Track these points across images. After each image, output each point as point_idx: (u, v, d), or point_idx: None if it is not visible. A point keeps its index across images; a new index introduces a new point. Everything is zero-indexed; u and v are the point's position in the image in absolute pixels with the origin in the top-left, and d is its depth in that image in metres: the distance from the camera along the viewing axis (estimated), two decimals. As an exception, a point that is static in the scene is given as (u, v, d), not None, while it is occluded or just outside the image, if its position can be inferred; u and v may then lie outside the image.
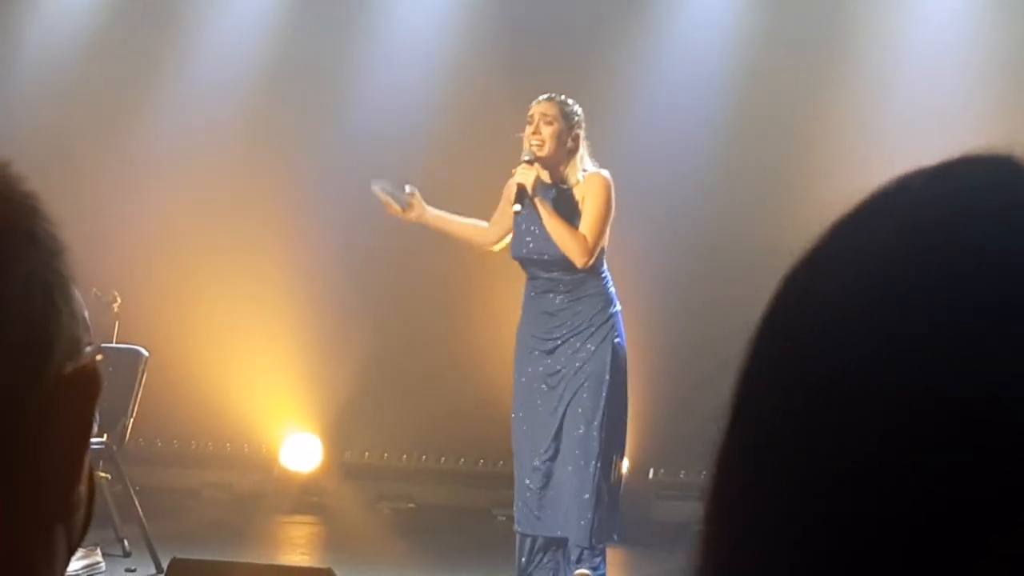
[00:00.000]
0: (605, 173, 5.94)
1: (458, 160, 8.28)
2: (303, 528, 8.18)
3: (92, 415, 0.76)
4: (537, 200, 5.85)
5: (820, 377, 0.58)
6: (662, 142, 8.30)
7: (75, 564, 6.23)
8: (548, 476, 5.82)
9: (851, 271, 0.60)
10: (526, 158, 5.90)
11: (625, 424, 5.96)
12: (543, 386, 5.90)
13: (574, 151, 5.93)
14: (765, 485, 0.59)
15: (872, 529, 0.56)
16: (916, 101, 7.98)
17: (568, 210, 5.90)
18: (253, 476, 8.67)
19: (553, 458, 5.83)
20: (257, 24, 8.77)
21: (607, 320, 5.92)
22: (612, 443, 5.85)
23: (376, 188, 6.17)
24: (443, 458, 8.63)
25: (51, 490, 0.75)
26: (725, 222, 8.23)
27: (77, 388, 0.75)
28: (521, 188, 5.85)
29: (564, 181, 5.95)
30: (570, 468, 5.77)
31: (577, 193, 5.94)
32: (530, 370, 5.93)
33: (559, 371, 5.89)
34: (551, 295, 5.96)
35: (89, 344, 0.78)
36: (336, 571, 4.51)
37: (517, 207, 5.85)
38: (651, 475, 8.47)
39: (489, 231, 6.17)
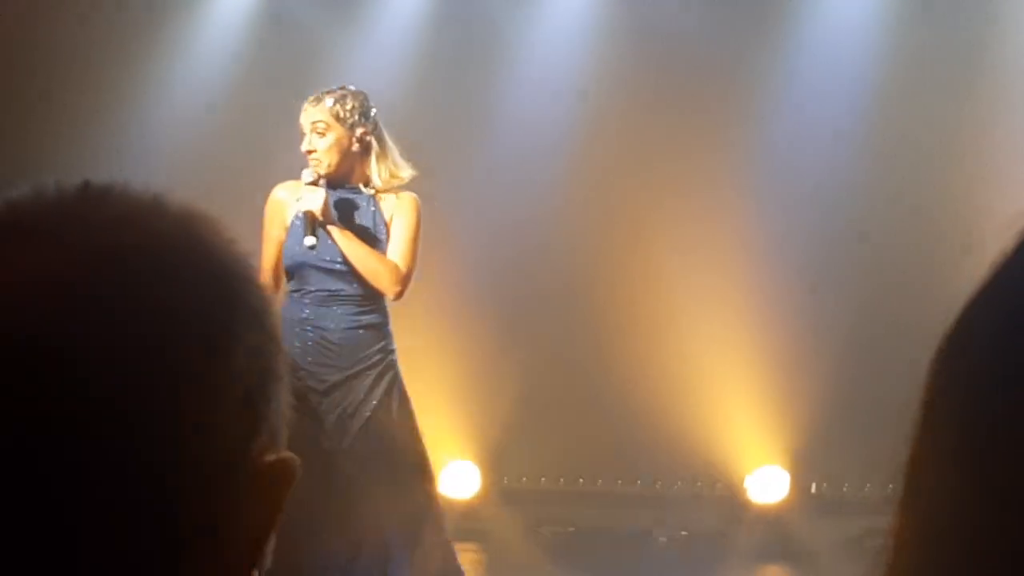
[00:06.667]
0: (414, 196, 5.21)
1: (599, 168, 8.26)
2: (465, 555, 8.17)
3: (282, 507, 0.77)
4: (332, 228, 4.98)
5: None
6: (798, 148, 8.17)
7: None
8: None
9: None
10: (307, 180, 5.02)
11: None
12: (319, 436, 4.89)
13: (366, 152, 5.09)
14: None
15: None
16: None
17: (371, 222, 5.13)
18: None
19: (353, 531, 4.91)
20: (400, 43, 8.72)
21: (391, 356, 5.11)
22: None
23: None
24: (600, 480, 8.59)
25: (232, 572, 0.76)
26: (869, 225, 8.06)
27: (273, 479, 0.76)
28: (310, 217, 4.93)
29: (367, 184, 5.13)
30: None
31: (384, 207, 5.16)
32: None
33: (340, 418, 4.96)
34: (331, 313, 5.03)
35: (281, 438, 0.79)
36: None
37: (311, 240, 4.91)
38: (813, 490, 8.33)
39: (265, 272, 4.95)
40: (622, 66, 8.34)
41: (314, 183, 5.02)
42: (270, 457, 0.76)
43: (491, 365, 8.45)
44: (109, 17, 8.24)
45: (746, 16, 8.34)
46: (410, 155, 8.30)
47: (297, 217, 5.03)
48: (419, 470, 5.16)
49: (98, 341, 0.71)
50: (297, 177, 5.20)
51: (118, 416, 0.71)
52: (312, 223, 4.93)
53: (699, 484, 8.24)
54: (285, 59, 8.28)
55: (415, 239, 5.15)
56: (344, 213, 5.10)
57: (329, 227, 5.00)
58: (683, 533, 8.02)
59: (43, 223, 0.75)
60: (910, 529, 0.57)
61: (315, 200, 4.96)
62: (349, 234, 5.02)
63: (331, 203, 5.04)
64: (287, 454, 0.78)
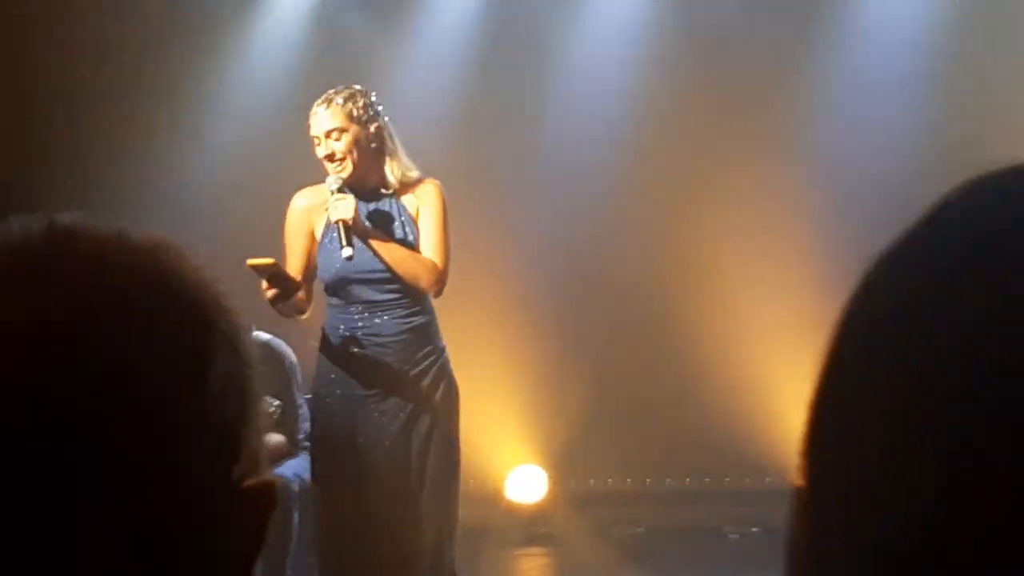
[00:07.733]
0: (435, 182, 5.07)
1: (651, 164, 8.24)
2: (535, 559, 8.19)
3: (265, 532, 0.77)
4: (368, 232, 4.88)
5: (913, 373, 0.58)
6: (861, 141, 8.10)
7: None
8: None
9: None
10: (334, 187, 4.86)
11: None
12: (382, 444, 4.87)
13: (381, 151, 4.96)
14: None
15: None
16: None
17: (398, 223, 5.01)
18: (480, 511, 8.70)
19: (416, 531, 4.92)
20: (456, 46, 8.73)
21: (443, 353, 5.06)
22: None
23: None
24: (668, 479, 8.56)
25: None
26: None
27: (254, 504, 0.77)
28: (343, 225, 4.79)
29: (385, 186, 5.01)
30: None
31: (408, 201, 5.03)
32: (350, 424, 4.86)
33: (404, 424, 4.91)
34: (380, 322, 4.96)
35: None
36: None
37: (348, 252, 4.78)
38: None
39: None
40: (672, 64, 8.31)
41: (340, 191, 4.88)
42: (251, 481, 0.76)
43: (555, 368, 8.43)
44: (163, 31, 8.31)
45: (797, 11, 8.29)
46: (465, 159, 8.37)
47: (331, 229, 4.92)
48: (457, 468, 5.11)
49: (71, 378, 0.72)
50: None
51: (93, 446, 0.72)
52: (347, 233, 4.80)
53: (768, 479, 8.18)
54: (337, 66, 8.30)
55: (445, 228, 5.01)
56: (374, 218, 5.00)
57: (363, 234, 4.89)
58: (754, 530, 7.98)
59: (10, 267, 0.75)
60: (810, 478, 0.61)
61: (346, 209, 4.82)
62: (384, 238, 4.93)
63: (360, 209, 4.94)
64: (269, 478, 0.77)
